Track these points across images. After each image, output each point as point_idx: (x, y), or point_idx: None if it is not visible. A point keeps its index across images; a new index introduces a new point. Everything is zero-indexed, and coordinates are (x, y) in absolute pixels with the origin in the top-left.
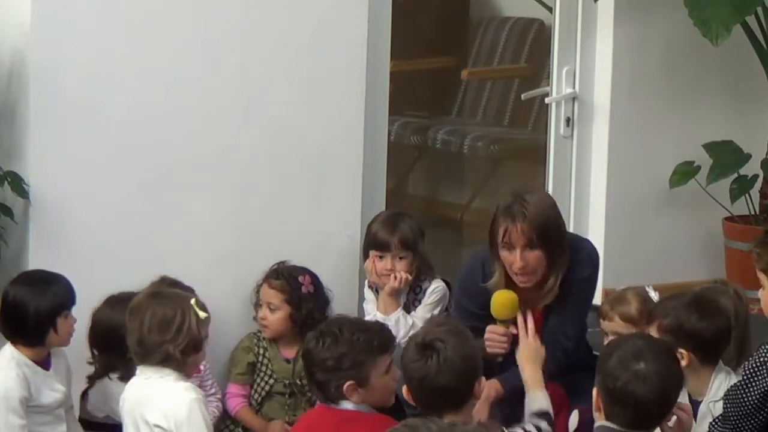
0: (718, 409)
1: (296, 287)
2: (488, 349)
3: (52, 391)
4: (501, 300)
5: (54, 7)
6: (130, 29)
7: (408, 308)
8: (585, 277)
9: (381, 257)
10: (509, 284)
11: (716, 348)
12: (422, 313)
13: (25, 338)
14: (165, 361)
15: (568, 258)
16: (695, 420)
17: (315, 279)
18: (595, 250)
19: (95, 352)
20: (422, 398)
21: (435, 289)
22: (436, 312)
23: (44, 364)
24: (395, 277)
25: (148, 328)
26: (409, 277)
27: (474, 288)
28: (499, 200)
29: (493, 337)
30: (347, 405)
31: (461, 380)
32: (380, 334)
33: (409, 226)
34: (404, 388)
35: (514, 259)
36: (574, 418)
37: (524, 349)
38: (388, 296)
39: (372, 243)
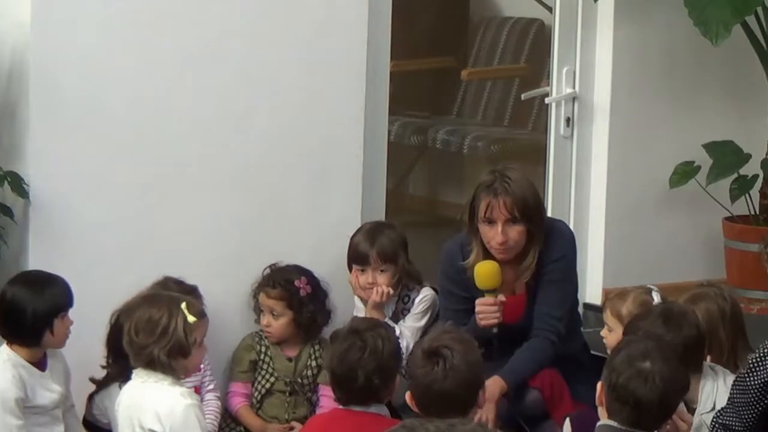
0: (710, 419)
1: (294, 292)
2: (482, 322)
3: (47, 392)
4: (483, 270)
5: (54, 7)
6: (130, 29)
7: (397, 317)
8: (560, 255)
9: (362, 270)
10: (487, 259)
11: (689, 357)
12: (411, 322)
13: (21, 339)
14: (150, 363)
15: (543, 236)
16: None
17: (310, 277)
18: (569, 230)
19: (110, 358)
20: (427, 404)
21: (423, 298)
22: (424, 321)
23: (40, 365)
24: (377, 291)
25: (134, 330)
26: (391, 291)
27: (455, 271)
28: (481, 179)
29: (485, 309)
30: (373, 408)
31: (466, 387)
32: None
33: (388, 237)
34: (407, 395)
35: (495, 233)
36: (567, 428)
37: None
38: (373, 309)
39: (353, 257)
